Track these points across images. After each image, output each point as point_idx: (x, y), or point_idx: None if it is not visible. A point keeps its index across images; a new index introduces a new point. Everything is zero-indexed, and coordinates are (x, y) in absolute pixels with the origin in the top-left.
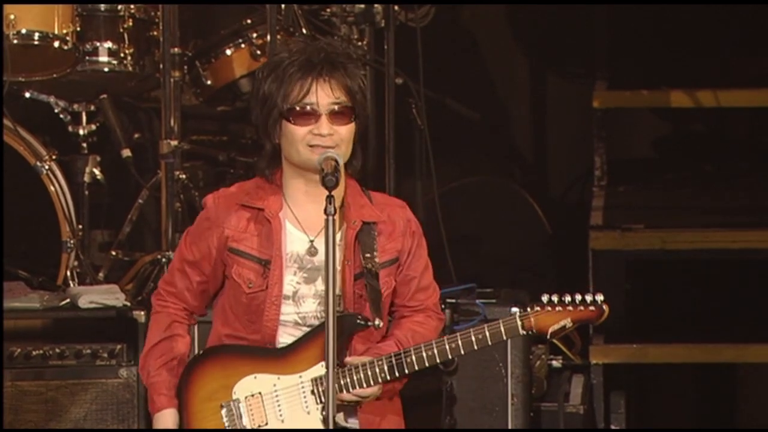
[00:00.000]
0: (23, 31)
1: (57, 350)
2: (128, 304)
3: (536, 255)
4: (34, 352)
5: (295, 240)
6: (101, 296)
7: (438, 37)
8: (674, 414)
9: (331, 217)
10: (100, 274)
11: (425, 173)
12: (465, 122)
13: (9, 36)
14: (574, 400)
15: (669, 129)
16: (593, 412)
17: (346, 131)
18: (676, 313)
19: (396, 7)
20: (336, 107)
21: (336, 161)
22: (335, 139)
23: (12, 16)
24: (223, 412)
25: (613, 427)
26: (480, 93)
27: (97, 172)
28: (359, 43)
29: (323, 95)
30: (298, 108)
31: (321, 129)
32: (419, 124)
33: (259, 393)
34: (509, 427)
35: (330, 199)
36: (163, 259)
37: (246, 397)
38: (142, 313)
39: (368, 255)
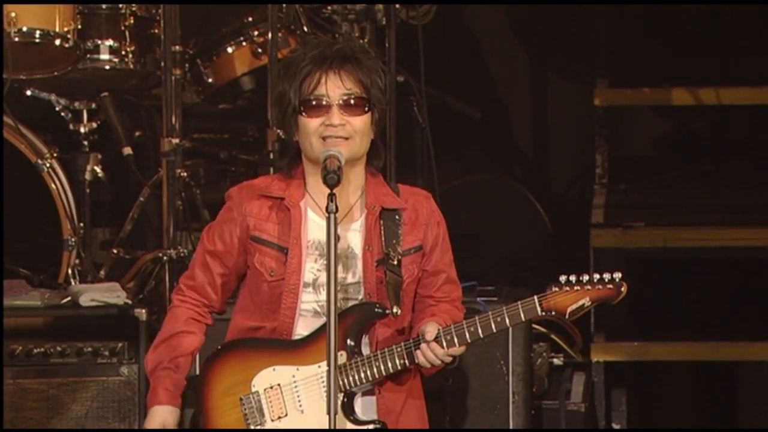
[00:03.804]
0: (24, 29)
1: (58, 348)
2: (129, 302)
3: (537, 253)
4: (35, 350)
5: (316, 227)
6: (102, 294)
7: (439, 35)
8: (675, 412)
9: (332, 215)
10: (102, 272)
11: (426, 171)
12: (466, 120)
13: (10, 34)
14: (576, 397)
15: (670, 127)
16: (594, 410)
17: (359, 122)
18: (678, 311)
19: (397, 5)
20: (347, 98)
21: (339, 159)
22: (348, 130)
23: (13, 14)
24: (243, 405)
25: (614, 425)
26: (481, 91)
27: (98, 170)
28: (360, 41)
29: (333, 87)
30: (309, 100)
31: (332, 119)
32: (420, 122)
33: (278, 384)
34: (510, 425)
35: (332, 197)
36: (164, 257)
37: (265, 390)
38: (144, 311)
39: (393, 241)
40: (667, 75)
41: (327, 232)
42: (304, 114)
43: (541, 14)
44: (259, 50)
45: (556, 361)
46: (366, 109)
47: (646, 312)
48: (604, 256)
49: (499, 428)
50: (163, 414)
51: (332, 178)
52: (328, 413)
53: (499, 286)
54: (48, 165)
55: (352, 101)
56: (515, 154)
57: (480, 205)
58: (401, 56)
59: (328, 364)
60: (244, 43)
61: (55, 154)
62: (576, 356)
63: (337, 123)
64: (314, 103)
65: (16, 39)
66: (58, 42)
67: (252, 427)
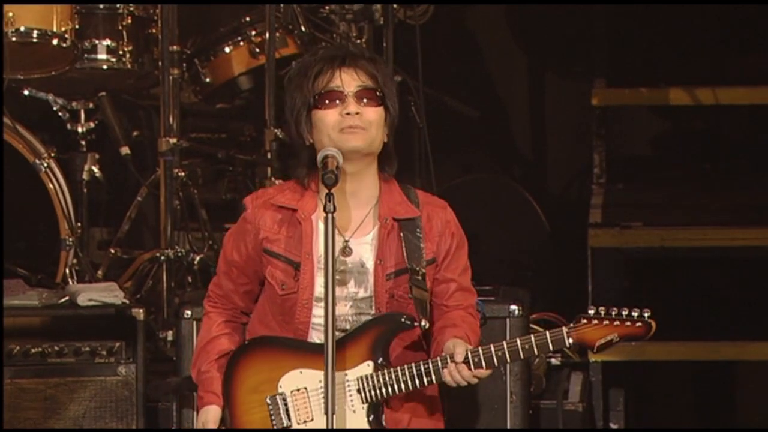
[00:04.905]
0: (22, 28)
1: (56, 348)
2: (127, 301)
3: (535, 253)
4: (32, 350)
5: None
6: (100, 294)
7: (437, 35)
8: (673, 412)
9: (330, 215)
10: (99, 272)
11: (424, 171)
12: (464, 120)
13: (8, 34)
14: (573, 397)
15: (668, 126)
16: (592, 410)
17: (374, 114)
18: (675, 311)
19: (395, 5)
20: (361, 89)
21: (338, 159)
22: (364, 120)
23: (11, 14)
24: (269, 405)
25: (611, 425)
26: (479, 91)
27: (95, 169)
28: (358, 41)
29: (348, 79)
30: (324, 94)
31: (349, 108)
32: (418, 122)
33: (305, 388)
34: (508, 425)
35: (329, 197)
36: (162, 257)
37: (292, 392)
38: (141, 310)
39: (416, 255)
40: (665, 75)
41: (325, 232)
42: (319, 107)
43: (539, 14)
44: (257, 50)
45: (553, 360)
46: (380, 102)
47: None
48: (602, 256)
49: (497, 428)
50: (202, 416)
51: (330, 177)
52: (326, 413)
53: (496, 286)
54: (46, 165)
55: (366, 93)
56: (513, 154)
57: (478, 204)
58: (399, 56)
59: (326, 365)
60: (241, 43)
61: (52, 154)
62: (574, 356)
63: (354, 111)
64: (329, 95)
65: (14, 39)
66: (55, 42)
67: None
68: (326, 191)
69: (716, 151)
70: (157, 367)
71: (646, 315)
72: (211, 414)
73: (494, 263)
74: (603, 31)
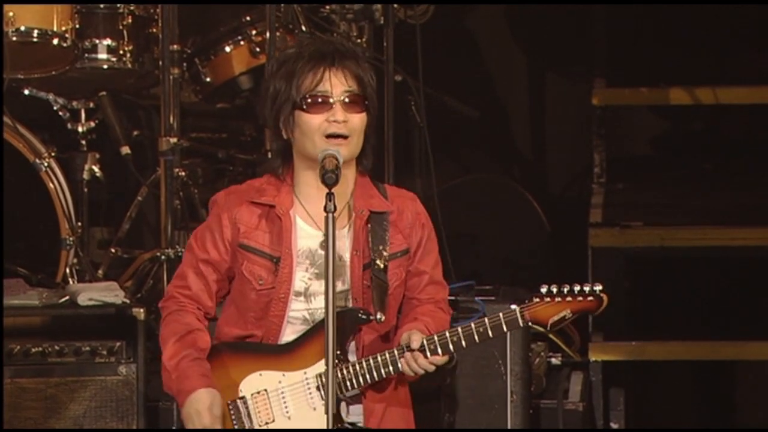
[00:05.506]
0: (22, 28)
1: (56, 347)
2: (127, 301)
3: (535, 252)
4: (33, 350)
5: (306, 236)
6: (100, 293)
7: (437, 35)
8: (673, 411)
9: (330, 215)
10: (100, 272)
11: (424, 171)
12: (464, 120)
13: (8, 33)
14: (573, 397)
15: (668, 126)
16: (592, 410)
17: (358, 120)
18: (675, 311)
19: (395, 5)
20: (349, 96)
21: (337, 159)
22: (349, 127)
23: (11, 14)
24: (231, 410)
25: (612, 425)
26: (479, 90)
27: (96, 169)
28: (358, 41)
29: (336, 83)
30: (311, 97)
31: (336, 116)
32: (418, 121)
33: (265, 390)
34: (508, 425)
35: (330, 196)
36: (162, 257)
37: (252, 395)
38: (142, 310)
39: (380, 247)
40: (665, 74)
41: (326, 232)
42: (305, 110)
43: (539, 14)
44: (257, 49)
45: (554, 360)
46: (364, 107)
47: (643, 311)
48: (602, 256)
49: (497, 428)
50: (208, 396)
51: (330, 177)
52: (326, 413)
53: (497, 286)
54: (46, 164)
55: (353, 98)
56: (513, 154)
57: (478, 204)
58: (399, 56)
59: (327, 364)
60: (242, 43)
61: (53, 154)
62: (574, 356)
63: (341, 119)
64: (317, 99)
65: (14, 38)
66: (56, 41)
67: None
68: (319, 193)
69: (716, 150)
70: (157, 366)
71: (597, 289)
72: (217, 398)
73: (494, 263)
74: (603, 30)
